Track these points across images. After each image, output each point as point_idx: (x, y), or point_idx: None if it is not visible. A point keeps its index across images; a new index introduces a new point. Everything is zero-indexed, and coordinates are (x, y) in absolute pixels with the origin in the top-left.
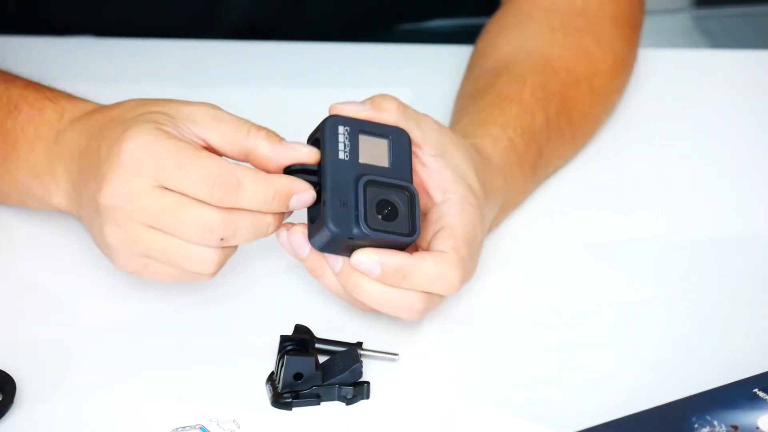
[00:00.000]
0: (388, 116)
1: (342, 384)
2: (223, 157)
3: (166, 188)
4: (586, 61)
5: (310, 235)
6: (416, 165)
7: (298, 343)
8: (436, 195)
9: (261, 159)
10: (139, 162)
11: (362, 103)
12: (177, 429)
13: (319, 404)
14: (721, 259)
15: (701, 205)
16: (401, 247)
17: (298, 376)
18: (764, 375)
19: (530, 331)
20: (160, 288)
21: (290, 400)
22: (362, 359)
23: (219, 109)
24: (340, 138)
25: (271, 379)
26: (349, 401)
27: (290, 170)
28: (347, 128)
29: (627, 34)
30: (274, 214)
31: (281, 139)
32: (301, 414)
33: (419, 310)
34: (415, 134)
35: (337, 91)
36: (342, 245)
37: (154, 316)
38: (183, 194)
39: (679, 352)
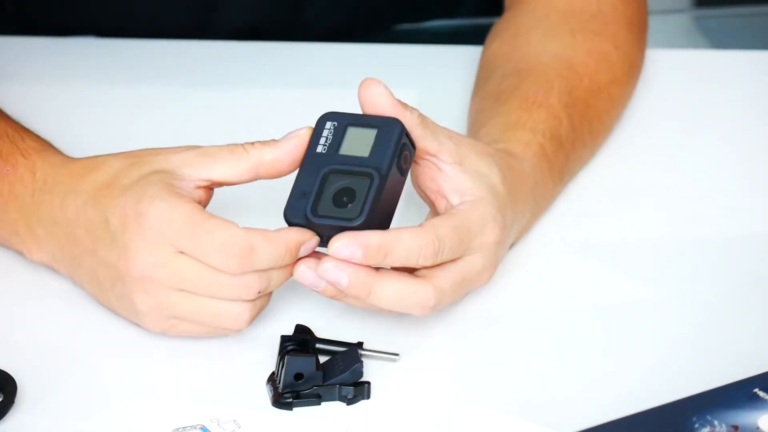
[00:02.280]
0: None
1: (342, 384)
2: (233, 224)
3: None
4: (606, 67)
5: None
6: (433, 172)
7: (299, 343)
8: (453, 198)
9: (271, 167)
10: (159, 232)
11: (405, 107)
12: (178, 429)
13: (319, 404)
14: (721, 259)
15: (701, 205)
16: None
17: (298, 376)
18: (764, 375)
19: (530, 331)
20: None
21: (291, 400)
22: (363, 359)
23: (201, 147)
24: (325, 133)
25: (272, 380)
26: (349, 401)
27: None
28: (335, 123)
29: (639, 37)
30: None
31: (275, 141)
32: (302, 414)
33: (430, 306)
34: (429, 144)
35: (338, 92)
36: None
37: None
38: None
39: (679, 352)
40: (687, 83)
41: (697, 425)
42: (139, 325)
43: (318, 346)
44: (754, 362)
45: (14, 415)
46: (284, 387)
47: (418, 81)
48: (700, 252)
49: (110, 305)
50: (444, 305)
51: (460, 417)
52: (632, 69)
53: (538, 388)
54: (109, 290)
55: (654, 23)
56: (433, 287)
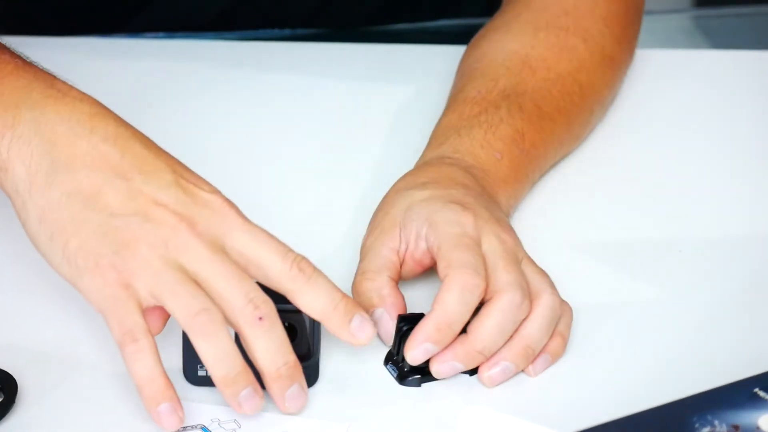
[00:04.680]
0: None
1: None
2: None
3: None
4: (569, 58)
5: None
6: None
7: (415, 320)
8: (421, 245)
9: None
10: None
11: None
12: (178, 429)
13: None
14: (722, 259)
15: (701, 205)
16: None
17: None
18: (765, 375)
19: None
20: None
21: (419, 376)
22: None
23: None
24: None
25: (393, 360)
26: (472, 372)
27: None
28: None
29: (617, 33)
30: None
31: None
32: (301, 414)
33: (519, 300)
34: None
35: (339, 91)
36: None
37: None
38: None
39: (679, 352)
40: (687, 83)
41: (697, 425)
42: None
43: None
44: (754, 362)
45: (15, 416)
46: (411, 364)
47: (418, 81)
48: (701, 252)
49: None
50: (524, 288)
51: (461, 417)
52: (604, 60)
53: (538, 388)
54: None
55: (654, 23)
56: (499, 290)
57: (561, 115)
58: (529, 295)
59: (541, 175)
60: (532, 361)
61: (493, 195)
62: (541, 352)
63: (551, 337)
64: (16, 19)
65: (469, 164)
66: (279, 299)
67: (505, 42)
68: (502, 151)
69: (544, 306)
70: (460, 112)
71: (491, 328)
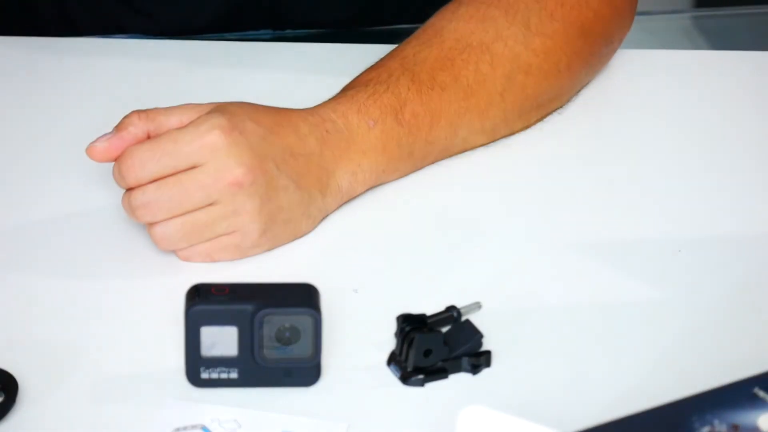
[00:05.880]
0: (133, 128)
1: (466, 355)
2: None
3: None
4: (485, 28)
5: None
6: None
7: (416, 321)
8: None
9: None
10: None
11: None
12: (178, 429)
13: (447, 377)
14: (721, 259)
15: (701, 205)
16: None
17: (427, 353)
18: (764, 375)
19: (530, 331)
20: (161, 288)
21: (423, 376)
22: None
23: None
24: None
25: (396, 360)
26: (475, 371)
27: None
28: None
29: (550, 8)
30: None
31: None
32: (302, 413)
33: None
34: (171, 121)
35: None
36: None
37: (155, 316)
38: None
39: (679, 352)
40: (687, 83)
41: (697, 425)
42: None
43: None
44: (754, 362)
45: (16, 415)
46: (415, 365)
47: None
48: (700, 252)
49: None
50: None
51: (461, 417)
52: (528, 29)
53: (538, 388)
54: None
55: (654, 23)
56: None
57: (457, 83)
58: None
59: (444, 149)
60: None
61: (335, 163)
62: None
63: None
64: (16, 19)
65: (337, 128)
66: (280, 301)
67: (432, 19)
68: (377, 119)
69: None
70: (352, 84)
71: None
